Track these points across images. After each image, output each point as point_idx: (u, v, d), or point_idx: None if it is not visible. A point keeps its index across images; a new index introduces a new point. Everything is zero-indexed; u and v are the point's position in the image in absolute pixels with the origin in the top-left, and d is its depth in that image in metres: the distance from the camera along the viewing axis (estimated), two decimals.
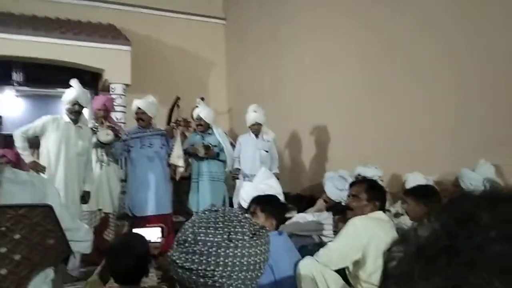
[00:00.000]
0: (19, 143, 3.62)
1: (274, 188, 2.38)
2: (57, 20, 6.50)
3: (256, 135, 4.85)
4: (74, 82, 3.88)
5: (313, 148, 5.47)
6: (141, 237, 1.61)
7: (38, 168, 3.58)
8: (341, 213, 2.48)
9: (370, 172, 3.26)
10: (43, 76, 6.45)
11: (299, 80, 5.74)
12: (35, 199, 1.40)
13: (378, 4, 4.44)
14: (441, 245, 0.34)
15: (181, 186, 5.36)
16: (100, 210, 4.27)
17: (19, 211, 1.31)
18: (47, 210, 1.37)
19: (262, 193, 2.22)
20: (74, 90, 3.81)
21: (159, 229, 1.81)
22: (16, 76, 6.37)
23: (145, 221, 4.34)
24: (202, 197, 4.63)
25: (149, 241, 1.67)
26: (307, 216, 2.82)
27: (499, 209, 0.35)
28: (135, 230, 1.76)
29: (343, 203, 2.74)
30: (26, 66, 6.23)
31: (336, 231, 2.51)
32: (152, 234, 1.77)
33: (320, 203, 2.98)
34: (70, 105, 3.76)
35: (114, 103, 5.80)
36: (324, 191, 3.05)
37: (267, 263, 0.97)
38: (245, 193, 2.40)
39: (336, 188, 2.98)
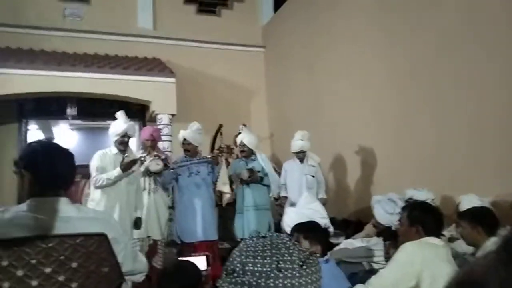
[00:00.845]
0: (99, 184, 3.80)
1: (319, 212, 2.33)
2: (106, 56, 6.91)
3: (301, 161, 4.83)
4: (120, 114, 4.06)
5: (358, 171, 5.35)
6: (194, 264, 1.64)
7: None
8: (392, 238, 2.38)
9: (422, 195, 3.13)
10: (94, 110, 6.83)
11: (338, 103, 5.70)
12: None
13: (406, 23, 4.41)
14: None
15: (226, 213, 5.39)
16: (149, 237, 4.36)
17: (76, 240, 1.37)
18: (102, 239, 1.42)
19: (306, 218, 2.18)
20: (122, 123, 3.98)
21: (204, 258, 1.83)
22: (70, 111, 6.78)
23: (193, 248, 4.40)
24: (247, 223, 4.62)
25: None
26: (356, 242, 2.73)
27: None
28: (181, 259, 1.79)
29: (393, 228, 2.63)
30: (79, 100, 6.63)
31: (387, 258, 2.40)
32: (198, 262, 1.79)
33: (368, 228, 2.88)
34: (119, 137, 3.93)
35: (161, 133, 6.02)
36: (372, 216, 2.96)
37: None
38: (289, 219, 2.37)
39: (385, 212, 2.88)
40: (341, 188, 5.68)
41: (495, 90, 3.49)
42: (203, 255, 1.85)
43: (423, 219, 2.05)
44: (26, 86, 5.72)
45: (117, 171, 3.74)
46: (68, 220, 1.41)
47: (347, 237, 3.26)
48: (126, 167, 3.71)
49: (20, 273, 1.30)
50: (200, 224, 4.42)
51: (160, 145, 5.94)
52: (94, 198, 3.93)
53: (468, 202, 2.82)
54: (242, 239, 4.57)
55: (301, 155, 4.82)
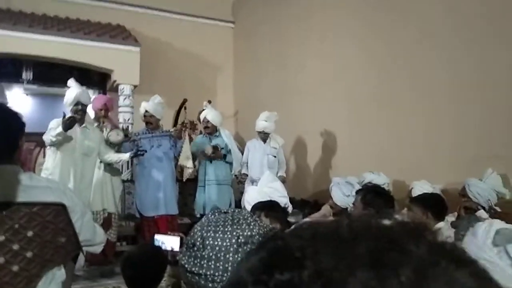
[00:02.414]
0: (47, 142, 3.66)
1: (279, 191, 2.38)
2: (67, 19, 6.56)
3: (264, 141, 4.89)
4: (71, 82, 3.90)
5: (318, 154, 5.48)
6: (159, 249, 1.64)
7: None
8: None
9: (380, 179, 3.26)
10: (52, 75, 6.50)
11: (306, 86, 5.75)
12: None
13: (385, 12, 4.47)
14: None
15: (186, 188, 5.39)
16: (104, 210, 4.30)
17: (32, 208, 1.33)
18: (59, 209, 1.38)
19: (267, 197, 2.22)
20: (74, 90, 3.83)
21: (178, 238, 1.83)
22: (26, 75, 6.42)
23: (153, 222, 4.39)
24: (208, 199, 4.65)
25: (171, 250, 1.70)
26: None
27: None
28: (156, 236, 1.78)
29: (349, 210, 2.74)
30: (36, 64, 6.29)
31: None
32: (173, 242, 1.80)
33: (325, 208, 2.98)
34: (73, 106, 3.78)
35: (123, 104, 5.86)
36: (330, 197, 3.06)
37: None
38: (250, 197, 2.41)
39: (343, 194, 2.98)
40: (301, 170, 5.80)
41: (450, 86, 3.65)
42: (177, 235, 1.85)
43: (375, 202, 2.14)
44: None
45: (59, 129, 3.56)
46: (22, 188, 1.36)
47: (304, 217, 3.36)
48: (67, 125, 3.51)
49: None
50: (162, 198, 4.41)
51: (121, 116, 5.81)
52: (48, 167, 3.81)
53: (420, 188, 2.97)
54: (202, 215, 4.63)
55: (263, 135, 4.87)
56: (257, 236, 0.94)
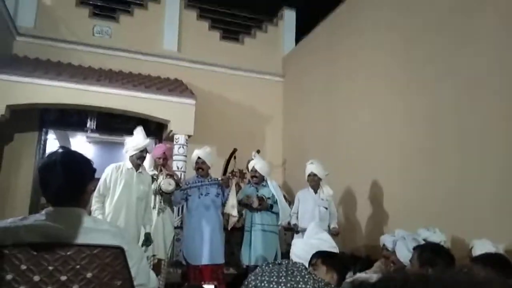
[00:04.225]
0: (94, 206, 3.87)
1: (327, 242, 2.31)
2: (131, 74, 7.10)
3: (315, 191, 4.79)
4: (140, 130, 4.13)
5: (369, 206, 5.31)
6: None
7: None
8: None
9: (436, 236, 3.07)
10: (112, 125, 6.98)
11: (354, 137, 5.72)
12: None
13: (429, 65, 4.47)
14: None
15: (232, 237, 5.37)
16: (154, 256, 4.35)
17: (93, 251, 1.40)
18: (118, 252, 1.44)
19: (315, 248, 2.17)
20: (142, 138, 4.05)
21: (212, 287, 1.85)
22: (90, 124, 6.92)
23: (198, 270, 4.38)
24: (254, 250, 4.59)
25: None
26: (367, 277, 2.69)
27: None
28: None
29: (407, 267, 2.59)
30: (99, 114, 6.78)
31: None
32: None
33: (378, 264, 2.84)
34: (138, 152, 3.99)
35: (177, 153, 6.11)
36: (384, 255, 2.91)
37: None
38: (297, 249, 2.35)
39: (409, 250, 2.81)
40: (351, 223, 5.62)
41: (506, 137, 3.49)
42: (212, 284, 1.87)
43: (433, 261, 2.02)
44: (51, 97, 5.89)
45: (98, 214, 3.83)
46: (83, 230, 1.44)
47: (354, 273, 3.21)
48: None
49: (36, 278, 1.32)
50: (207, 246, 4.41)
51: (174, 164, 6.03)
52: (105, 210, 3.97)
53: (481, 247, 2.77)
54: (248, 266, 4.56)
55: (312, 179, 4.75)
56: None
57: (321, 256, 1.98)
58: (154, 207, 4.40)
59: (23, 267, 1.31)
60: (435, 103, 4.38)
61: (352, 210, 5.64)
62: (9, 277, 1.30)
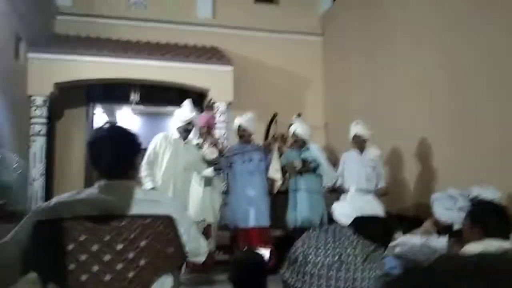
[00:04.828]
0: (144, 172, 4.03)
1: (372, 205, 2.28)
2: (168, 44, 7.14)
3: (360, 152, 4.71)
4: (188, 102, 4.23)
5: (417, 165, 5.15)
6: (261, 256, 1.75)
7: None
8: (456, 235, 2.25)
9: (489, 193, 2.94)
10: (155, 96, 7.13)
11: (399, 96, 5.50)
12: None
13: (475, 20, 4.13)
14: None
15: (278, 201, 5.44)
16: (203, 220, 4.51)
17: (145, 221, 1.46)
18: (168, 221, 1.50)
19: (358, 213, 2.14)
20: (189, 111, 4.16)
21: (268, 251, 1.92)
22: (133, 96, 7.11)
23: (246, 232, 4.52)
24: (300, 212, 4.64)
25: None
26: (414, 238, 2.65)
27: None
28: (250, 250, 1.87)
29: (455, 225, 2.52)
30: (142, 87, 6.93)
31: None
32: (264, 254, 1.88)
33: (427, 224, 2.78)
34: (184, 124, 4.09)
35: (218, 121, 6.17)
36: (431, 212, 2.85)
37: None
38: (339, 214, 2.32)
39: (444, 208, 2.75)
40: (398, 182, 5.51)
41: None
42: (268, 248, 1.95)
43: (485, 219, 1.93)
44: (94, 73, 6.07)
45: (148, 182, 3.98)
46: (135, 202, 1.50)
47: (404, 233, 3.18)
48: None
49: (95, 248, 1.41)
50: (253, 210, 4.53)
51: (217, 132, 6.11)
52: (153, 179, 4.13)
53: None
54: (294, 228, 4.63)
55: (357, 141, 4.68)
56: (360, 255, 0.92)
57: (359, 226, 1.95)
58: (201, 176, 4.51)
59: (82, 238, 1.40)
60: (481, 59, 4.08)
61: (399, 170, 5.51)
62: (70, 247, 1.39)
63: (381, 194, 4.54)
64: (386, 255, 1.99)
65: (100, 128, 1.57)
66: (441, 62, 4.73)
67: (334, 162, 5.19)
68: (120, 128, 1.65)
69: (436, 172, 4.85)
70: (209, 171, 4.40)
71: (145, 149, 4.20)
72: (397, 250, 2.52)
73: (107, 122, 1.60)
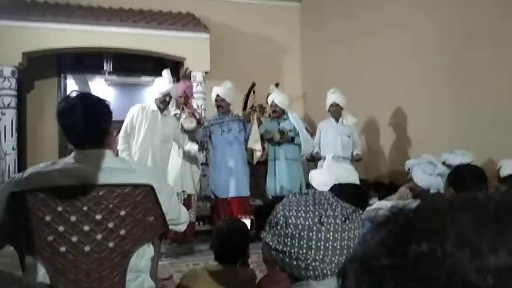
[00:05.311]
0: (121, 146, 3.96)
1: (348, 172, 2.32)
2: (141, 11, 6.88)
3: (336, 120, 4.77)
4: (165, 72, 4.13)
5: (392, 134, 5.26)
6: (244, 224, 1.77)
7: None
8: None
9: (457, 158, 3.05)
10: (129, 66, 6.92)
11: (378, 65, 5.51)
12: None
13: None
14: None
15: (257, 171, 5.49)
16: (184, 191, 4.53)
17: (124, 190, 1.45)
18: (148, 190, 1.49)
19: (334, 180, 2.17)
20: (167, 82, 4.06)
21: (249, 221, 1.94)
22: (106, 66, 6.89)
23: (226, 203, 4.57)
24: (279, 180, 4.71)
25: None
26: (389, 204, 2.73)
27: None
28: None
29: (432, 190, 2.60)
30: (115, 56, 6.71)
31: None
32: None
33: (403, 190, 2.86)
34: (161, 96, 4.01)
35: (196, 90, 6.07)
36: (409, 179, 2.93)
37: None
38: (315, 181, 2.34)
39: (424, 173, 2.82)
40: (374, 150, 5.63)
41: None
42: (249, 218, 1.99)
43: (468, 184, 2.00)
44: (64, 41, 5.82)
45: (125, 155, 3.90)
46: (113, 171, 1.48)
47: (380, 199, 3.27)
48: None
49: (73, 218, 1.39)
50: (234, 180, 4.56)
51: (194, 102, 6.02)
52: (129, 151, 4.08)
53: (510, 167, 2.74)
54: (274, 197, 4.70)
55: (334, 109, 4.72)
56: (340, 216, 0.94)
57: (341, 192, 1.99)
58: (179, 146, 4.48)
59: (59, 208, 1.38)
60: (468, 23, 4.10)
61: (375, 138, 5.61)
62: (47, 218, 1.37)
63: (356, 161, 4.64)
64: (363, 219, 2.04)
65: (68, 97, 1.51)
66: (427, 28, 4.71)
67: (313, 131, 5.23)
68: (89, 95, 1.61)
69: (411, 140, 4.96)
70: (194, 148, 4.35)
71: (121, 121, 4.11)
72: (374, 214, 2.59)
73: (74, 91, 1.55)
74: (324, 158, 4.52)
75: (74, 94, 1.50)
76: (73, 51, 6.31)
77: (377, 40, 5.53)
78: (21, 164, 5.79)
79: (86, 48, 6.07)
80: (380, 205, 2.84)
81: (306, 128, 5.13)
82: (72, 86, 7.39)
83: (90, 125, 1.46)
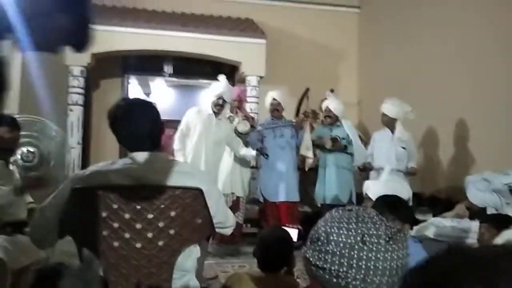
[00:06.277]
0: (176, 146, 4.13)
1: (402, 186, 2.25)
2: (202, 16, 7.11)
3: (392, 131, 4.59)
4: (222, 78, 4.26)
5: (452, 146, 4.99)
6: (288, 233, 1.79)
7: None
8: (488, 221, 2.18)
9: None
10: (188, 69, 7.17)
11: (439, 73, 5.27)
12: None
13: None
14: None
15: (307, 177, 5.45)
16: (232, 193, 4.61)
17: (175, 191, 1.52)
18: (197, 193, 1.54)
19: (390, 192, 2.12)
20: (221, 86, 4.18)
21: (296, 231, 1.94)
22: (167, 68, 7.18)
23: (275, 207, 4.60)
24: (329, 188, 4.63)
25: None
26: (445, 221, 2.60)
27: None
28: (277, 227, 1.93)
29: (488, 210, 2.45)
30: (175, 59, 6.98)
31: (481, 241, 2.22)
32: (291, 233, 1.92)
33: (460, 207, 2.72)
34: (215, 99, 4.12)
35: (249, 95, 6.17)
36: (465, 196, 2.78)
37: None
38: (371, 192, 2.32)
39: (477, 190, 2.66)
40: (431, 163, 5.37)
41: None
42: (295, 228, 1.99)
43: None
44: (129, 44, 6.15)
45: (180, 156, 4.04)
46: (166, 173, 1.55)
47: (434, 215, 3.13)
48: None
49: (127, 216, 1.47)
50: (283, 185, 4.58)
51: (247, 106, 6.12)
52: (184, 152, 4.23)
53: None
54: (322, 205, 4.64)
55: (384, 122, 4.54)
56: (384, 236, 0.92)
57: (387, 206, 1.93)
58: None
59: (115, 206, 1.46)
60: None
61: (433, 149, 5.36)
62: (104, 214, 1.46)
63: (410, 174, 4.45)
64: (409, 238, 1.98)
65: (119, 104, 1.58)
66: (487, 34, 4.46)
67: (367, 140, 5.10)
68: (139, 100, 1.69)
69: (472, 155, 4.68)
70: (251, 153, 4.39)
71: (179, 121, 4.28)
72: (427, 231, 2.49)
73: (123, 99, 1.64)
74: (377, 169, 4.39)
75: (123, 102, 1.59)
76: (137, 53, 6.64)
77: (438, 46, 5.29)
78: (85, 159, 6.18)
79: (150, 50, 6.36)
80: (434, 222, 2.72)
81: (360, 137, 5.02)
82: (134, 86, 7.79)
83: (143, 128, 1.54)
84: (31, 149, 3.81)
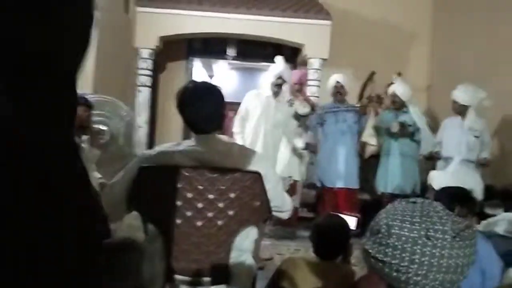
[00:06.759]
0: (236, 129, 4.20)
1: (473, 178, 2.11)
2: None
3: (463, 117, 4.28)
4: (279, 58, 4.24)
5: None
6: (344, 221, 1.77)
7: None
8: None
9: None
10: (250, 51, 7.19)
11: None
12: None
13: None
14: None
15: (368, 164, 5.30)
16: (290, 177, 4.61)
17: (235, 174, 1.55)
18: (256, 176, 1.57)
19: (458, 183, 2.01)
20: (279, 66, 4.17)
21: (355, 219, 1.91)
22: (230, 51, 7.26)
23: (332, 193, 4.54)
24: (392, 176, 4.47)
25: None
26: None
27: None
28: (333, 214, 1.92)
29: None
30: (238, 42, 7.03)
31: None
32: (349, 221, 1.88)
33: None
34: (274, 79, 4.12)
35: (311, 78, 6.08)
36: None
37: (475, 267, 0.89)
38: (437, 183, 2.20)
39: None
40: (505, 154, 4.98)
41: None
42: (354, 215, 1.96)
43: None
44: (195, 27, 6.28)
45: (239, 139, 4.08)
46: (227, 155, 1.60)
47: (506, 210, 2.91)
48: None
49: (189, 195, 1.54)
50: (343, 170, 4.50)
51: (308, 89, 6.04)
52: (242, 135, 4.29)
53: None
54: (383, 193, 4.51)
55: (458, 109, 4.24)
56: (450, 232, 0.87)
57: (457, 199, 1.83)
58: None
59: (179, 185, 1.53)
60: None
61: (508, 140, 4.96)
62: (168, 192, 1.54)
63: (481, 165, 4.15)
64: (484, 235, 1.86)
65: (186, 87, 1.63)
66: None
67: (436, 128, 4.82)
68: (205, 83, 1.73)
69: None
70: (299, 145, 4.39)
71: (240, 104, 4.34)
72: (496, 227, 2.32)
73: (191, 81, 1.69)
74: (445, 159, 4.16)
75: (191, 84, 1.64)
76: (201, 36, 6.77)
77: None
78: (151, 138, 6.49)
79: (213, 33, 6.46)
80: (505, 217, 2.53)
81: (428, 125, 4.77)
82: (198, 68, 8.00)
83: (209, 111, 1.59)
84: (103, 128, 4.07)
